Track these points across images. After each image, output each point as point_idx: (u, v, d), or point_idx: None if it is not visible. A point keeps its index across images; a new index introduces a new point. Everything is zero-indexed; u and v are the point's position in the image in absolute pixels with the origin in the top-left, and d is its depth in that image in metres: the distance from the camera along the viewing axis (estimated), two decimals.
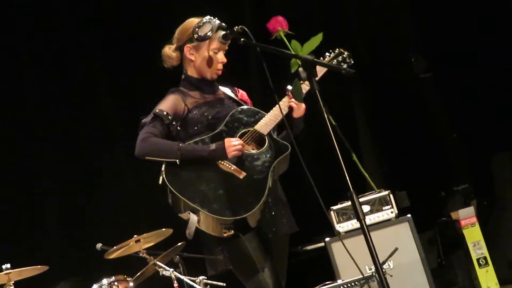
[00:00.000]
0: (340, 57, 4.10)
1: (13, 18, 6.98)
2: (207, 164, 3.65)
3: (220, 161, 3.65)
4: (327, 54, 4.10)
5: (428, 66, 7.47)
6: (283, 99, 3.83)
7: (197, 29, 3.76)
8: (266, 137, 3.77)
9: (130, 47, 7.03)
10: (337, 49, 4.13)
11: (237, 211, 3.57)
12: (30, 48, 7.07)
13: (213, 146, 3.66)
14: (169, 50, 3.92)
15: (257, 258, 3.65)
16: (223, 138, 3.71)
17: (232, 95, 3.98)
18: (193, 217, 3.59)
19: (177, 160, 3.62)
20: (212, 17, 3.78)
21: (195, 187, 3.61)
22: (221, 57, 3.87)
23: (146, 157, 3.67)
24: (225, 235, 3.62)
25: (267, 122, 3.78)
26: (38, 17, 7.02)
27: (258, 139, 3.77)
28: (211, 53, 3.84)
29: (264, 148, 3.74)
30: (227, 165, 3.65)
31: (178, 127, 3.80)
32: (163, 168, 3.62)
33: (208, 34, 3.75)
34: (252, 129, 3.78)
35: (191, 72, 3.91)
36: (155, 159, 3.66)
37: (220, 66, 3.88)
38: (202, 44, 3.83)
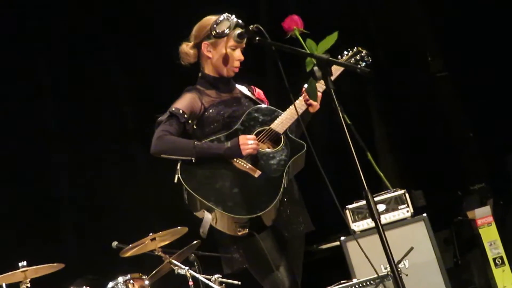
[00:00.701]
0: (358, 55, 4.08)
1: (31, 27, 7.05)
2: (222, 163, 3.66)
3: (235, 160, 3.66)
4: (345, 52, 4.09)
5: (445, 65, 7.45)
6: (300, 97, 3.83)
7: (215, 26, 3.77)
8: (282, 136, 3.76)
9: (143, 43, 7.06)
10: (355, 48, 4.12)
11: (252, 210, 3.57)
12: (42, 49, 7.12)
13: (228, 144, 3.66)
14: (186, 47, 3.92)
15: (273, 257, 3.65)
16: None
17: (248, 93, 3.98)
18: (207, 216, 3.60)
19: (193, 158, 3.62)
20: (229, 15, 3.79)
21: (210, 185, 3.61)
22: (238, 54, 3.86)
23: (162, 155, 3.68)
24: (239, 233, 3.62)
25: (283, 121, 3.78)
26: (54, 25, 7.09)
27: (274, 138, 3.77)
28: (228, 50, 3.83)
29: (279, 147, 3.74)
30: (242, 163, 3.65)
31: (194, 126, 3.80)
32: (178, 167, 3.63)
33: (226, 31, 3.77)
34: (268, 127, 3.78)
35: (208, 70, 3.90)
36: (170, 157, 3.66)
37: (237, 64, 3.88)
38: (220, 41, 3.83)
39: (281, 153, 3.72)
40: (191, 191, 3.59)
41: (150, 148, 3.72)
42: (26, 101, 6.97)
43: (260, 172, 3.65)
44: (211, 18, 3.84)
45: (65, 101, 7.08)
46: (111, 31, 7.26)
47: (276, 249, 3.68)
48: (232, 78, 3.94)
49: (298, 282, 3.73)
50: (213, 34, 3.79)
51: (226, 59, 3.84)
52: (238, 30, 3.76)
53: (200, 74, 3.93)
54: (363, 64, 4.05)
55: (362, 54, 4.09)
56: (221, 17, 3.79)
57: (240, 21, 3.78)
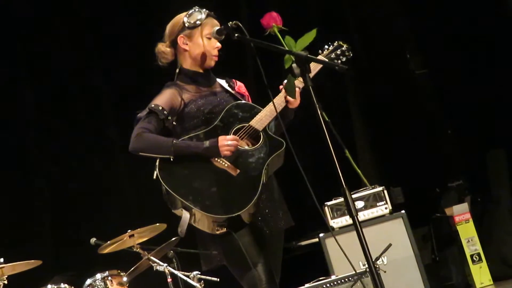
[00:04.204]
0: (339, 50, 4.06)
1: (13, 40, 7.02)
2: (201, 161, 3.64)
3: (214, 158, 3.65)
4: (326, 46, 4.09)
5: (424, 62, 7.47)
6: (280, 93, 3.82)
7: (187, 18, 3.79)
8: (261, 133, 3.75)
9: (125, 46, 7.03)
10: (337, 42, 4.12)
11: (230, 209, 3.56)
12: (27, 48, 7.07)
13: (206, 143, 3.64)
14: (162, 47, 3.91)
15: (251, 254, 3.65)
16: (218, 133, 3.69)
17: (228, 88, 3.96)
18: (186, 215, 3.58)
19: (171, 157, 3.61)
20: (200, 7, 3.80)
21: (188, 184, 3.60)
22: (215, 42, 3.86)
23: (140, 153, 3.66)
24: (217, 232, 3.62)
25: (262, 118, 3.76)
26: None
27: (253, 135, 3.76)
28: (205, 39, 3.83)
29: (258, 144, 3.72)
30: (221, 162, 3.64)
31: (174, 122, 3.79)
32: (157, 164, 3.61)
33: (198, 21, 3.77)
34: (247, 124, 3.76)
35: (186, 64, 3.88)
36: (149, 155, 3.65)
37: (215, 52, 3.86)
38: (195, 31, 3.82)
39: (260, 150, 3.71)
40: (170, 190, 3.57)
41: (129, 146, 3.70)
42: (8, 102, 6.91)
43: (239, 171, 3.64)
44: (182, 14, 3.86)
45: (48, 97, 7.04)
46: (94, 31, 7.22)
47: (255, 247, 3.67)
48: (212, 71, 3.92)
49: (276, 279, 3.73)
50: (187, 25, 3.79)
51: (204, 48, 3.83)
52: (211, 20, 3.78)
53: (177, 70, 3.91)
54: (344, 58, 4.05)
55: (343, 49, 4.08)
56: (192, 10, 3.81)
57: (212, 12, 3.80)
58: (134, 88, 6.83)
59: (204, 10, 3.80)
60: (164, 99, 3.78)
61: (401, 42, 7.50)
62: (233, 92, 3.94)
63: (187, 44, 3.84)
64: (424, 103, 7.48)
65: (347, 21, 7.47)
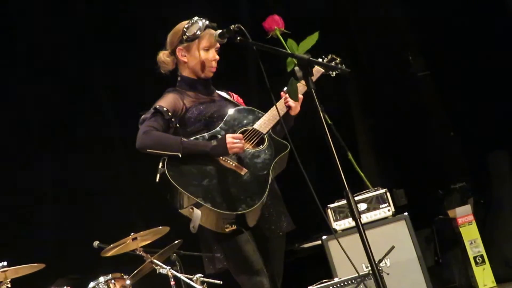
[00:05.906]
0: (333, 62, 4.22)
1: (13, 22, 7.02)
2: (208, 160, 3.66)
3: (221, 158, 3.67)
4: (320, 60, 4.13)
5: (426, 64, 7.48)
6: (281, 100, 3.86)
7: (185, 30, 3.82)
8: (265, 136, 3.79)
9: (128, 47, 7.04)
10: (330, 55, 4.19)
11: (240, 206, 3.58)
12: (28, 48, 7.08)
13: (214, 142, 3.67)
14: (163, 56, 3.96)
15: (253, 258, 3.66)
16: (223, 135, 3.71)
17: (228, 97, 4.01)
18: (197, 211, 3.57)
19: (179, 154, 3.61)
20: (200, 18, 3.81)
21: (197, 182, 3.61)
22: (213, 54, 3.90)
23: (148, 150, 3.66)
24: (227, 230, 3.63)
25: (266, 121, 3.81)
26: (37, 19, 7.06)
27: (257, 138, 3.79)
28: (202, 52, 3.86)
29: (264, 146, 3.77)
30: (228, 161, 3.67)
31: (176, 125, 3.80)
32: (164, 164, 3.60)
33: (197, 33, 3.81)
34: (251, 128, 3.80)
35: (185, 73, 3.93)
36: (156, 152, 3.65)
37: (213, 64, 3.91)
38: (192, 44, 3.87)
39: (266, 152, 3.75)
40: (180, 188, 3.57)
41: (136, 143, 3.70)
42: (6, 98, 6.92)
43: (246, 170, 3.66)
44: (183, 23, 3.89)
45: (46, 99, 7.04)
46: (96, 29, 7.23)
47: (257, 252, 3.68)
48: (211, 82, 3.96)
49: (278, 284, 3.75)
50: (185, 38, 3.84)
51: (201, 61, 3.86)
52: (210, 31, 3.80)
53: (179, 78, 3.95)
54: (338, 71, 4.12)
55: (337, 62, 4.23)
56: (192, 20, 3.85)
57: (213, 23, 3.82)
58: (134, 88, 6.85)
59: (204, 20, 3.82)
60: (167, 101, 3.81)
61: (403, 44, 7.51)
62: (233, 100, 3.99)
63: (185, 56, 3.90)
64: (426, 105, 7.48)
65: (349, 23, 7.47)
